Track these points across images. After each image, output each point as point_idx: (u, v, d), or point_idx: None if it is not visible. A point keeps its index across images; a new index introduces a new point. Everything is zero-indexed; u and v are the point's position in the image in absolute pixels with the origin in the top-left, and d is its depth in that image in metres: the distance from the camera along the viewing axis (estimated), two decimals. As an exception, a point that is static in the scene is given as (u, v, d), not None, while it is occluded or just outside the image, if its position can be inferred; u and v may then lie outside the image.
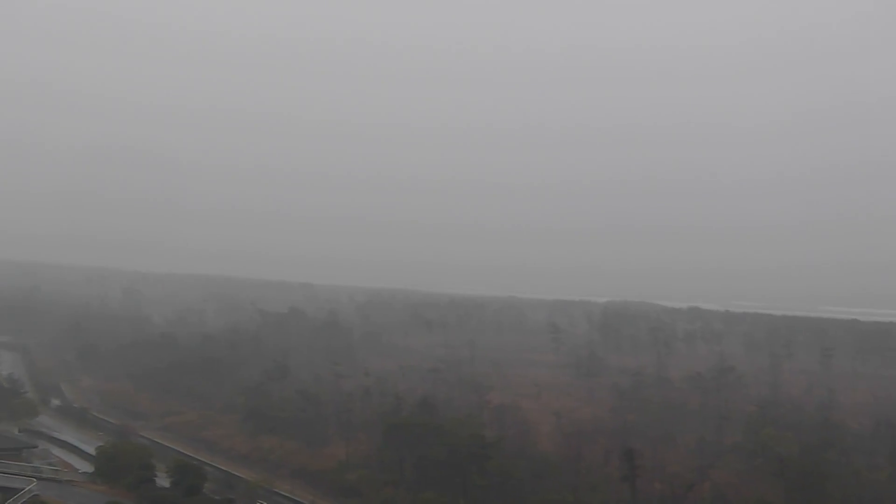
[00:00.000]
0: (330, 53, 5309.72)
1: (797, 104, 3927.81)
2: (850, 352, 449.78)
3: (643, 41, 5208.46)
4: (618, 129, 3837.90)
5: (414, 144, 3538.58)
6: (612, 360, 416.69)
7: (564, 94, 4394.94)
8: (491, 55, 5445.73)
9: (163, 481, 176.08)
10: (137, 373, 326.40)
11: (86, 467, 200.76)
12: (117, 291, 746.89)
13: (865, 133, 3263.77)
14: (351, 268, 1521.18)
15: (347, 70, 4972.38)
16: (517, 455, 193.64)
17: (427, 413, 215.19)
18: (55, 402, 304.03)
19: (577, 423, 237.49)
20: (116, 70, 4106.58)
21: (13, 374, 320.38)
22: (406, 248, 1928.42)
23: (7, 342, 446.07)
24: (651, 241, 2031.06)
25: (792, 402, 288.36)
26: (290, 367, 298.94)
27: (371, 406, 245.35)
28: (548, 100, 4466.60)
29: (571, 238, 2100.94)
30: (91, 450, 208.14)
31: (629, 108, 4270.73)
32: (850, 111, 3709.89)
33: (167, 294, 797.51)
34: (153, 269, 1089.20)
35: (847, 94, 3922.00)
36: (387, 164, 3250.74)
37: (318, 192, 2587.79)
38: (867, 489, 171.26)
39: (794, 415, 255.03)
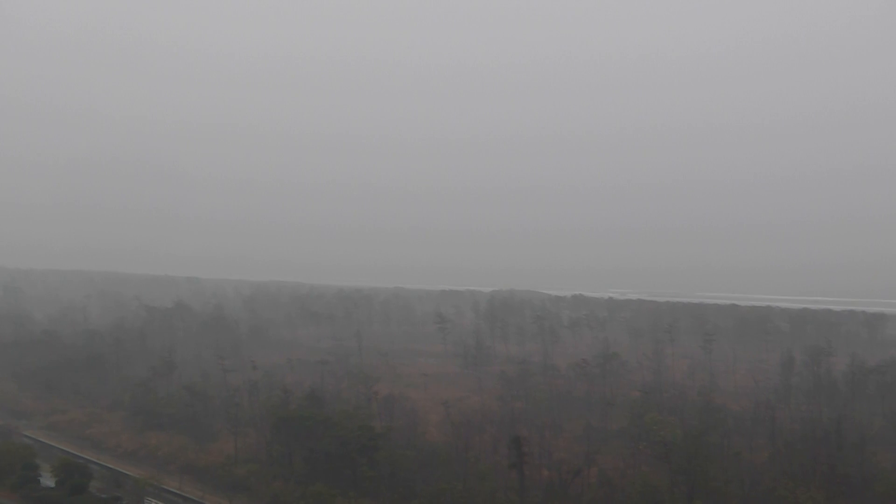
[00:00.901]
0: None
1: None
2: (730, 336, 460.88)
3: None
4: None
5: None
6: (499, 349, 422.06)
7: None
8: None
9: (48, 481, 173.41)
10: (20, 371, 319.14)
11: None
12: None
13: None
14: (241, 263, 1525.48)
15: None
16: (406, 445, 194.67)
17: (315, 406, 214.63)
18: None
19: (465, 412, 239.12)
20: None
21: None
22: (297, 246, 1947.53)
23: None
24: (541, 243, 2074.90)
25: (675, 387, 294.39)
26: (177, 362, 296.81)
27: (259, 400, 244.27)
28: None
29: (464, 239, 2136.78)
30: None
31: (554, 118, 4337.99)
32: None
33: (49, 291, 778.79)
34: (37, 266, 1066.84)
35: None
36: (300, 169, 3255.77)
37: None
38: (748, 470, 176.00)
39: (677, 399, 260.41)
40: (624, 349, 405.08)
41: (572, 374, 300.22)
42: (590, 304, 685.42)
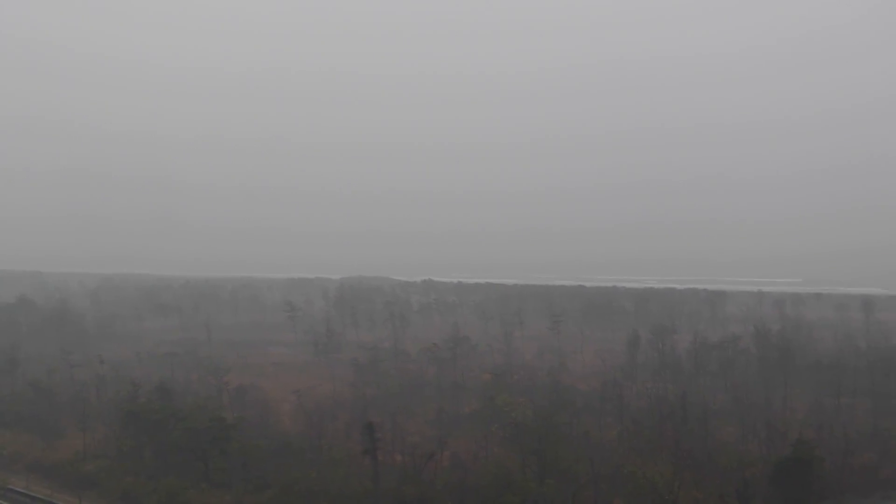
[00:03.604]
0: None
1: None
2: (577, 317, 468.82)
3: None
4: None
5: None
6: (350, 336, 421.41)
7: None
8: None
9: None
10: None
11: None
12: None
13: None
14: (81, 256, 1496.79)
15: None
16: (259, 436, 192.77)
17: (165, 398, 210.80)
18: None
19: (317, 400, 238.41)
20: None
21: None
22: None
23: None
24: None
25: (525, 369, 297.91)
26: (21, 359, 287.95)
27: (107, 394, 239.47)
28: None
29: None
30: None
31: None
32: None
33: None
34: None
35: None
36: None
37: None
38: (597, 448, 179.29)
39: (527, 381, 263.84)
40: (474, 333, 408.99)
41: (423, 359, 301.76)
42: (439, 289, 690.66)
